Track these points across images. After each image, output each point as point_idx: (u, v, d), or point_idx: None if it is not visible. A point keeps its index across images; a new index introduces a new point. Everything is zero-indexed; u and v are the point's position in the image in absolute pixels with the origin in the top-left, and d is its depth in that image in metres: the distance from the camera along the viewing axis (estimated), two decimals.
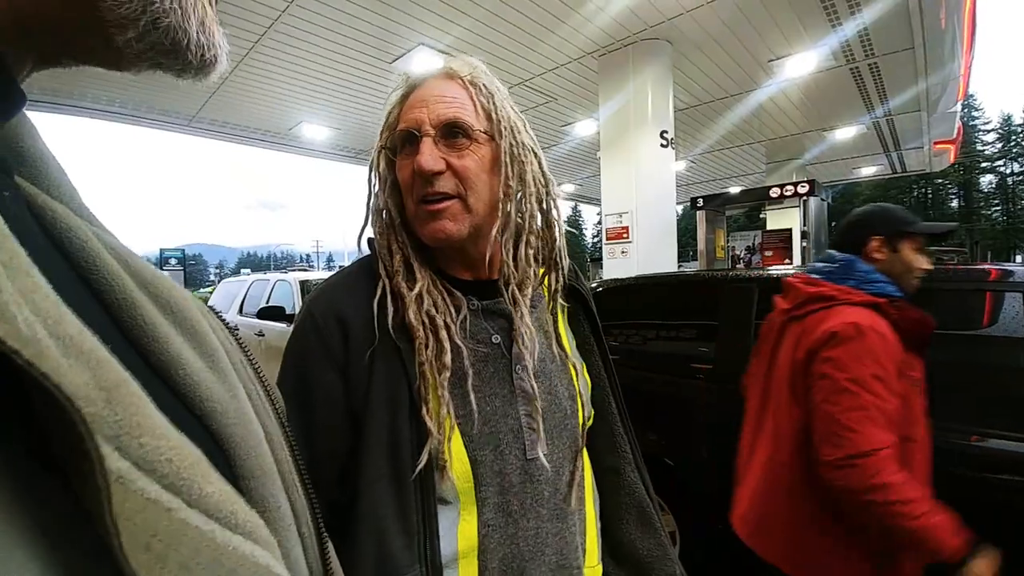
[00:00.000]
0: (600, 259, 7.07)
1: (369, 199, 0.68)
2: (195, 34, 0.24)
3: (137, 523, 0.16)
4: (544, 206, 0.67)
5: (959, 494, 1.05)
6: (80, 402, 0.15)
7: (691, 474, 2.08)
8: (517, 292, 0.66)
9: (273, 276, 6.34)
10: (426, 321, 0.60)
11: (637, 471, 0.75)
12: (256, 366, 0.34)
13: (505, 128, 0.63)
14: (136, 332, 0.24)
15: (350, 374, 0.60)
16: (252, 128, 7.56)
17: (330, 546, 0.34)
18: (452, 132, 0.61)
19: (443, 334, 0.60)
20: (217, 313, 0.34)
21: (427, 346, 0.59)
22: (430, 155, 0.59)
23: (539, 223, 0.68)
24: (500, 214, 0.64)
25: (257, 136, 7.86)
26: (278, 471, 0.29)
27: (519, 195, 0.65)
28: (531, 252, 0.67)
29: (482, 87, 0.63)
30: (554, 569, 0.62)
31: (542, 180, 0.67)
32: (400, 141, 0.63)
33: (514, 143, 0.64)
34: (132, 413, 0.18)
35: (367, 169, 0.68)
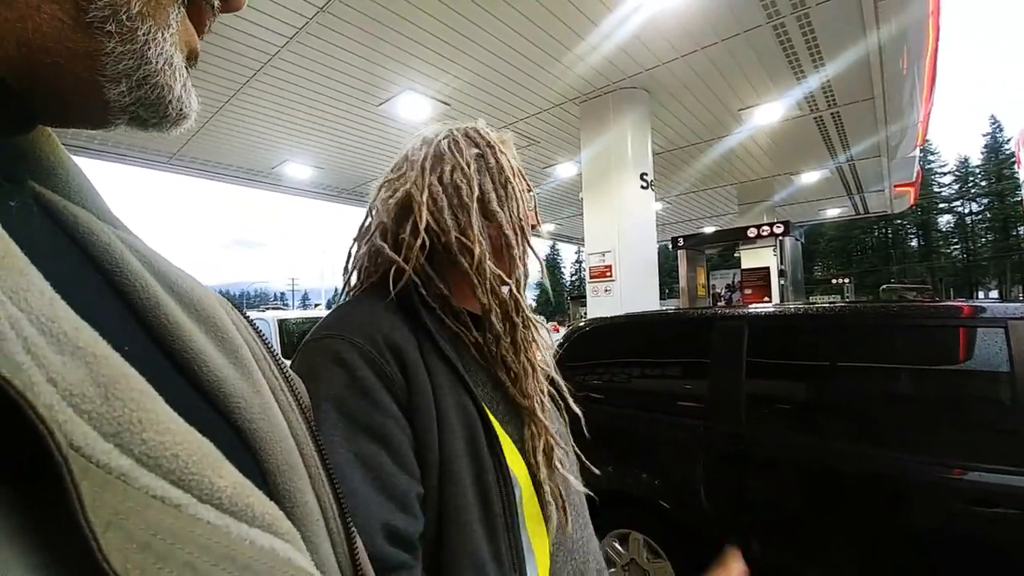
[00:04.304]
0: (579, 297, 7.10)
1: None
2: (179, 90, 0.25)
3: (136, 521, 0.15)
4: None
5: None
6: (30, 395, 0.14)
7: (687, 517, 2.02)
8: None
9: (249, 315, 6.18)
10: (476, 352, 0.63)
11: None
12: (279, 362, 0.34)
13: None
14: (160, 331, 0.24)
15: (415, 408, 0.54)
16: (235, 166, 7.53)
17: (359, 543, 0.33)
18: None
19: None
20: (239, 308, 0.34)
21: (484, 374, 0.62)
22: None
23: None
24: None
25: (239, 174, 7.82)
26: (304, 466, 0.29)
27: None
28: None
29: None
30: (599, 573, 0.66)
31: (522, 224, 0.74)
32: None
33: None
34: (133, 409, 0.17)
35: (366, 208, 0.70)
